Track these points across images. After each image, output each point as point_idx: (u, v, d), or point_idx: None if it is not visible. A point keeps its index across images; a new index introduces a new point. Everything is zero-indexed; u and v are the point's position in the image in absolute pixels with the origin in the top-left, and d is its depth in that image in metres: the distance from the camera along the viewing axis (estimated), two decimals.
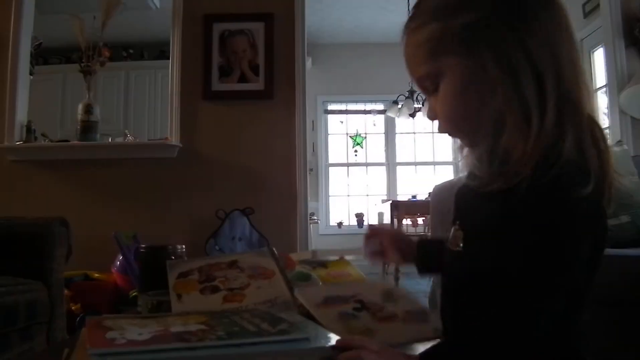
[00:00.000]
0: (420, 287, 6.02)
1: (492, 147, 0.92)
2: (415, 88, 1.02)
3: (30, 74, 4.24)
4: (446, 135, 1.02)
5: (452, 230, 1.04)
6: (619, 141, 3.22)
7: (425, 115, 1.05)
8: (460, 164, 1.06)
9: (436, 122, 1.01)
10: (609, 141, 0.91)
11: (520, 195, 0.83)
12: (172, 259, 1.48)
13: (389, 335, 1.11)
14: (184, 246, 1.66)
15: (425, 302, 1.32)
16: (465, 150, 1.02)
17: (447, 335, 1.06)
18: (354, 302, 1.23)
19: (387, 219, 6.83)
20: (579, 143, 0.85)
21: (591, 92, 0.94)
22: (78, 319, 3.00)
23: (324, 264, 1.60)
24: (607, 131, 5.18)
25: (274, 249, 1.40)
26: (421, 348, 0.94)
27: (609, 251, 2.41)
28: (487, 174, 0.91)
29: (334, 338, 0.87)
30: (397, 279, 6.00)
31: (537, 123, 0.86)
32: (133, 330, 0.83)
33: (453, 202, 1.08)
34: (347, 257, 1.77)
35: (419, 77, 0.99)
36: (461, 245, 1.01)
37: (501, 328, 0.84)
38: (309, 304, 1.19)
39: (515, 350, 0.84)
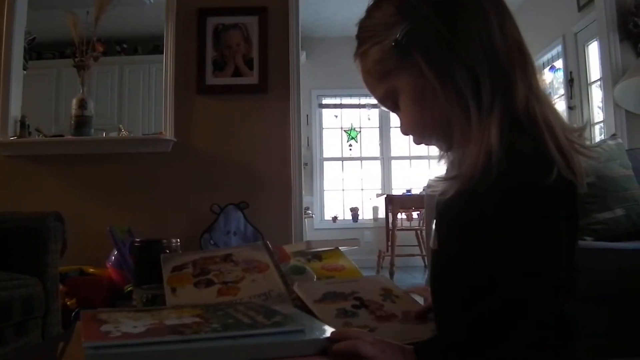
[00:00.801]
0: (415, 280, 6.06)
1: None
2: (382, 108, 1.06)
3: (24, 69, 4.22)
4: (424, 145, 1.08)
5: (433, 230, 1.07)
6: (614, 135, 3.23)
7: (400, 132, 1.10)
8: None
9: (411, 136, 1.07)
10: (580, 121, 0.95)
11: (484, 193, 0.88)
12: (166, 253, 1.48)
13: (388, 335, 1.08)
14: (178, 240, 1.67)
15: (420, 300, 1.31)
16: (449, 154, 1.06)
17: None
18: (353, 300, 1.23)
19: (381, 213, 6.84)
20: (523, 127, 0.90)
21: (530, 67, 0.97)
22: (73, 313, 3.00)
23: (318, 256, 1.60)
24: (601, 125, 5.21)
25: (267, 242, 1.40)
26: None
27: (604, 244, 2.43)
28: (448, 177, 0.98)
29: (328, 330, 0.87)
30: (392, 273, 6.02)
31: (475, 117, 0.91)
32: (128, 324, 0.84)
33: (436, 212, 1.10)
34: (342, 248, 1.77)
35: (379, 98, 1.06)
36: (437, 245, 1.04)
37: (498, 314, 0.85)
38: (307, 300, 1.20)
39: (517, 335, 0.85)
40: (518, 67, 0.94)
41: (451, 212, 0.99)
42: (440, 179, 1.00)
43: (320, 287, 1.29)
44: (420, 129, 1.04)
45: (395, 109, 1.05)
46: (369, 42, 1.01)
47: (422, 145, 1.10)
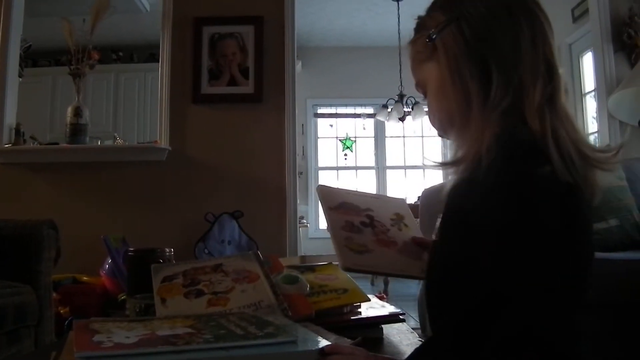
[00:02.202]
0: (410, 290, 6.05)
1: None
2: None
3: (20, 76, 4.22)
4: (439, 138, 1.14)
5: (438, 222, 1.08)
6: (608, 145, 3.24)
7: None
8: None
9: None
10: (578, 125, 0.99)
11: (479, 181, 0.90)
12: (159, 262, 1.48)
13: (379, 261, 1.17)
14: (172, 249, 1.66)
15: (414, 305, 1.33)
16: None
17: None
18: (364, 216, 1.28)
19: None
20: (530, 126, 0.93)
21: (555, 83, 1.01)
22: (66, 322, 2.99)
23: (312, 269, 1.60)
24: (595, 135, 5.23)
25: (258, 252, 1.40)
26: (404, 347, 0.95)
27: (598, 255, 2.43)
28: (444, 163, 1.06)
29: (321, 341, 0.87)
30: (386, 282, 6.01)
31: (476, 110, 0.99)
32: (120, 334, 0.84)
33: (443, 204, 1.10)
34: (336, 263, 1.77)
35: (415, 84, 1.18)
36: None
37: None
38: (324, 204, 1.26)
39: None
40: (541, 78, 0.99)
41: (450, 202, 1.01)
42: (437, 165, 1.08)
43: (340, 194, 1.34)
44: (437, 119, 1.14)
45: (425, 97, 1.16)
46: (418, 33, 1.14)
47: (444, 138, 1.21)
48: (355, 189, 1.46)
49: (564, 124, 0.96)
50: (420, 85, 1.17)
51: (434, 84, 1.11)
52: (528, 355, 0.86)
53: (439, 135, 1.18)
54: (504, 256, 0.85)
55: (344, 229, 1.20)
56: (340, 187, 1.48)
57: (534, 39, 1.01)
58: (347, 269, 1.16)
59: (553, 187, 0.87)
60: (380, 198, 1.45)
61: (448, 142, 1.17)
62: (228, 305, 1.16)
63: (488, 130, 0.96)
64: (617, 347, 2.21)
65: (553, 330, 0.88)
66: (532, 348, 0.86)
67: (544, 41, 1.03)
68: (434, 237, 1.10)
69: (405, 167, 8.98)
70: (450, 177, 1.03)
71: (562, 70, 1.04)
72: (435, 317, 1.04)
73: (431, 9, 1.13)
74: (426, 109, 1.24)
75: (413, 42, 1.16)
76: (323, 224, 8.78)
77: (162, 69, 4.10)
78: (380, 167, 9.05)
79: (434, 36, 1.07)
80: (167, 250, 1.63)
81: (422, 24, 1.13)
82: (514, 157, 0.90)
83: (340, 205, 1.28)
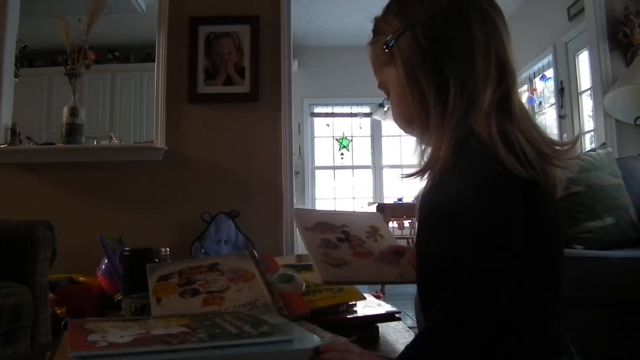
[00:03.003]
0: (407, 289, 6.05)
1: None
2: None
3: (15, 76, 4.21)
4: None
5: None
6: (604, 144, 3.24)
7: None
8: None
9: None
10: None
11: (446, 183, 0.97)
12: (155, 262, 1.47)
13: (357, 272, 1.21)
14: (167, 249, 1.66)
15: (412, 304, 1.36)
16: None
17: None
18: (340, 232, 1.32)
19: None
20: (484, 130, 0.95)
21: (507, 84, 1.03)
22: (63, 322, 2.99)
23: (308, 268, 1.60)
24: (591, 133, 5.23)
25: (254, 251, 1.40)
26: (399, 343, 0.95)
27: (594, 253, 2.44)
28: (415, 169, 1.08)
29: (317, 340, 0.87)
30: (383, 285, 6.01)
31: (434, 118, 1.02)
32: (115, 333, 0.83)
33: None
34: None
35: (378, 85, 1.20)
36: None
37: (459, 305, 0.86)
38: (300, 226, 1.30)
39: (478, 322, 0.85)
40: (490, 82, 1.00)
41: (424, 206, 1.07)
42: (408, 176, 1.10)
43: (315, 216, 1.38)
44: (399, 120, 1.15)
45: (387, 97, 1.18)
46: (376, 36, 1.15)
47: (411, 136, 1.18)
48: (330, 209, 1.50)
49: (518, 124, 0.98)
50: (382, 87, 1.19)
51: (394, 89, 1.13)
52: (506, 340, 0.92)
53: (405, 132, 1.19)
54: (477, 244, 0.89)
55: (321, 247, 1.24)
56: (314, 208, 1.52)
57: (486, 42, 1.02)
58: (328, 283, 1.20)
59: (512, 180, 0.91)
60: (353, 214, 1.49)
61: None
62: (223, 305, 1.16)
63: (446, 139, 0.99)
64: (613, 345, 2.21)
65: (524, 308, 0.94)
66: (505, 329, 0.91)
67: (497, 41, 1.03)
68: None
69: (401, 166, 8.98)
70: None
71: (516, 67, 1.05)
72: (427, 315, 1.05)
73: (386, 12, 1.14)
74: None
75: (372, 44, 1.17)
76: None
77: (158, 69, 4.10)
78: (377, 166, 9.05)
79: (390, 43, 1.09)
80: (163, 249, 1.63)
81: (379, 28, 1.15)
82: (473, 158, 0.94)
83: (315, 225, 1.32)
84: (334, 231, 1.32)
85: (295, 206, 4.19)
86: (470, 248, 0.88)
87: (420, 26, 1.04)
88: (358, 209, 8.79)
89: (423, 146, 1.08)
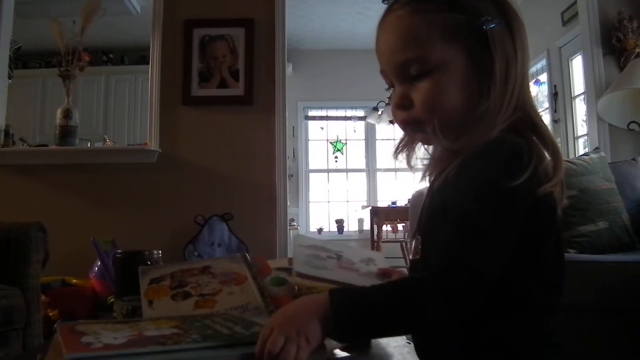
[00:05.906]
0: None
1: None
2: (390, 72, 0.97)
3: (9, 77, 4.21)
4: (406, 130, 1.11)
5: (414, 242, 1.08)
6: (597, 148, 3.25)
7: (393, 105, 1.06)
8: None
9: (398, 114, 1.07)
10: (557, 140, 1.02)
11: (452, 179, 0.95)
12: (148, 264, 1.47)
13: (331, 274, 1.20)
14: (160, 251, 1.66)
15: None
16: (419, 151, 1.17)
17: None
18: (333, 254, 1.31)
19: (367, 225, 6.83)
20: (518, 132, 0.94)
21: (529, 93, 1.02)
22: (55, 325, 2.98)
23: None
24: (585, 138, 5.23)
25: (247, 254, 1.40)
26: None
27: (587, 257, 2.44)
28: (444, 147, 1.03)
29: None
30: None
31: (486, 117, 0.95)
32: (107, 335, 0.83)
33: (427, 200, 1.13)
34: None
35: (408, 59, 0.98)
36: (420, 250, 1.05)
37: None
38: (296, 245, 1.30)
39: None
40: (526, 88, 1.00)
41: (439, 196, 1.03)
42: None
43: (314, 241, 1.37)
44: (441, 109, 0.98)
45: (411, 79, 1.00)
46: (449, 6, 0.97)
47: (404, 131, 1.14)
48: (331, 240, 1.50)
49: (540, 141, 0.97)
50: (421, 65, 0.98)
51: (451, 71, 0.98)
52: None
53: (406, 124, 1.06)
54: (450, 242, 0.89)
55: (307, 264, 1.23)
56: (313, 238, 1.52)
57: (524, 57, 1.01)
58: (299, 275, 1.20)
59: (521, 195, 0.89)
60: (355, 248, 1.48)
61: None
62: (215, 307, 1.16)
63: (486, 136, 0.93)
64: (604, 348, 2.22)
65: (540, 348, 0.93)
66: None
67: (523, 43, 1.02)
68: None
69: (395, 170, 8.98)
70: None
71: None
72: None
73: None
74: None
75: (419, 10, 0.98)
76: (313, 225, 8.79)
77: (152, 71, 4.10)
78: (371, 170, 9.06)
79: (492, 25, 0.95)
80: (155, 252, 1.62)
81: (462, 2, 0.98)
82: (493, 158, 0.91)
83: (311, 246, 1.31)
84: (328, 252, 1.31)
85: (288, 208, 4.18)
86: (452, 240, 0.89)
87: (507, 25, 0.98)
88: (352, 212, 8.80)
89: (426, 145, 1.07)
